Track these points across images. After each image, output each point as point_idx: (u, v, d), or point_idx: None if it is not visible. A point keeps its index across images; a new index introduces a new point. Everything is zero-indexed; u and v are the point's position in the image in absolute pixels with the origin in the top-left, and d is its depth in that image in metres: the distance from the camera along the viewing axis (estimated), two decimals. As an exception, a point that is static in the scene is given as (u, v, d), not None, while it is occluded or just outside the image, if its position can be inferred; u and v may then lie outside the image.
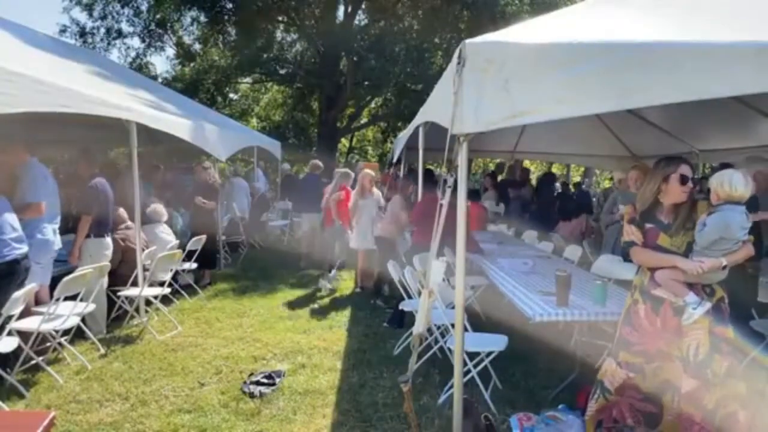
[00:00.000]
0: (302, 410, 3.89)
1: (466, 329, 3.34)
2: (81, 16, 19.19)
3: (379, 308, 6.61)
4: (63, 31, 19.03)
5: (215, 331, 5.68)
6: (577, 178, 21.19)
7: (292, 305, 6.80)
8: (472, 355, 3.90)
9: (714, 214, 2.90)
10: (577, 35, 2.68)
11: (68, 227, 5.62)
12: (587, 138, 8.75)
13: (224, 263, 9.08)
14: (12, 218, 4.26)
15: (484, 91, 2.61)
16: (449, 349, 4.07)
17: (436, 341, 4.54)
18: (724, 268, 2.90)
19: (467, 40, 2.64)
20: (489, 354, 3.98)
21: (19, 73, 3.57)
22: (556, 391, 4.15)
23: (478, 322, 5.35)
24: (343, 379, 4.45)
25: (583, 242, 7.38)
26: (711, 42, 2.44)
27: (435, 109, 3.89)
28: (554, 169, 27.04)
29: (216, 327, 5.83)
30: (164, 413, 3.81)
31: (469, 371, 3.85)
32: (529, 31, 2.92)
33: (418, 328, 3.17)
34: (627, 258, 3.27)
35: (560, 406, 3.64)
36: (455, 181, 2.86)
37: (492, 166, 16.84)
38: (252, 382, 4.28)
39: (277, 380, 4.33)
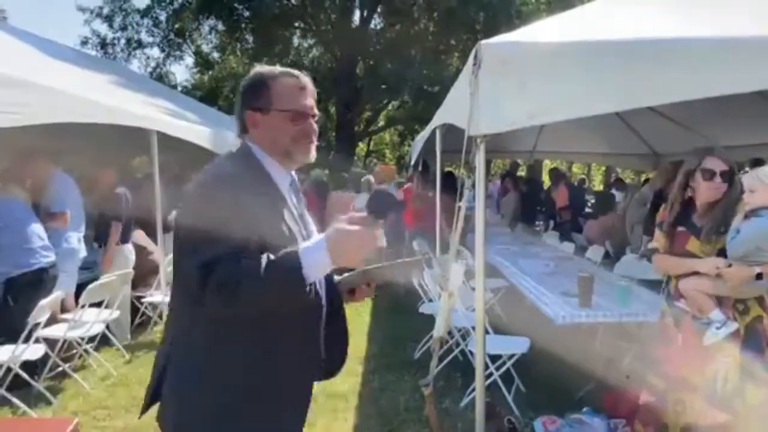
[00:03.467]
0: (324, 414, 3.89)
1: (487, 332, 3.32)
2: (102, 27, 19.52)
3: (398, 311, 6.59)
4: (84, 42, 19.44)
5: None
6: (598, 177, 20.98)
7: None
8: (494, 358, 3.87)
9: (751, 220, 2.51)
10: (595, 33, 2.65)
11: (92, 235, 5.70)
12: (608, 136, 8.64)
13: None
14: (38, 228, 4.36)
15: (500, 91, 2.59)
16: (470, 352, 4.04)
17: (457, 344, 4.52)
18: (759, 277, 2.46)
19: (483, 41, 2.63)
20: (511, 356, 3.95)
21: (42, 85, 3.65)
22: (580, 394, 4.10)
23: (499, 324, 5.30)
24: (364, 383, 4.45)
25: (606, 242, 7.29)
26: (733, 37, 2.40)
27: (452, 110, 3.88)
28: (575, 169, 26.84)
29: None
30: (188, 418, 3.84)
31: (491, 374, 3.82)
32: (545, 31, 2.90)
33: (439, 331, 3.16)
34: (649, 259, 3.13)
35: (585, 409, 3.59)
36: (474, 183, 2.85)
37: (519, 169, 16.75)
38: (274, 387, 4.29)
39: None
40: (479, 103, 2.62)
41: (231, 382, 1.51)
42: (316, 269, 1.40)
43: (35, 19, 62.34)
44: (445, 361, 4.47)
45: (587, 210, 10.47)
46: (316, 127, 1.66)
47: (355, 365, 4.84)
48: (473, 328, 3.51)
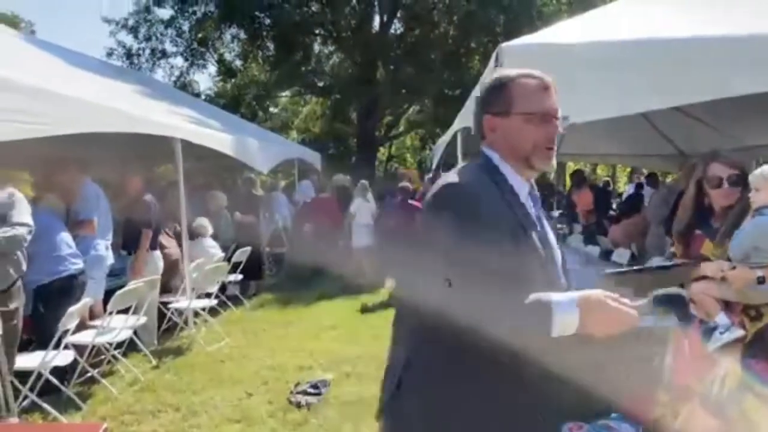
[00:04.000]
0: (349, 420, 3.89)
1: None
2: (127, 38, 19.89)
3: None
4: (110, 53, 19.78)
5: (261, 342, 5.76)
6: (623, 179, 20.68)
7: (336, 315, 6.84)
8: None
9: (754, 218, 2.44)
10: (618, 33, 2.62)
11: (119, 243, 5.80)
12: (633, 137, 8.51)
13: (269, 274, 9.21)
14: (67, 236, 4.45)
15: (522, 94, 2.58)
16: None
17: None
18: (761, 281, 2.32)
19: (503, 44, 2.62)
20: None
21: (70, 96, 3.73)
22: (609, 400, 4.02)
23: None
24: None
25: (632, 245, 7.16)
26: (759, 34, 2.35)
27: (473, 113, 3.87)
28: (599, 170, 26.50)
29: (262, 337, 5.91)
30: (214, 423, 3.88)
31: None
32: (566, 32, 2.88)
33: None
34: None
35: (613, 415, 3.53)
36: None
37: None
38: (298, 392, 4.31)
39: (323, 390, 4.35)
40: (500, 105, 2.61)
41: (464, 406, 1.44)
42: (562, 327, 1.35)
43: (62, 31, 63.89)
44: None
45: (611, 212, 10.31)
46: (560, 130, 1.56)
47: (380, 371, 4.78)
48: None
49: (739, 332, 2.40)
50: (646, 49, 2.48)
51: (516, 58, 2.59)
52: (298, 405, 4.12)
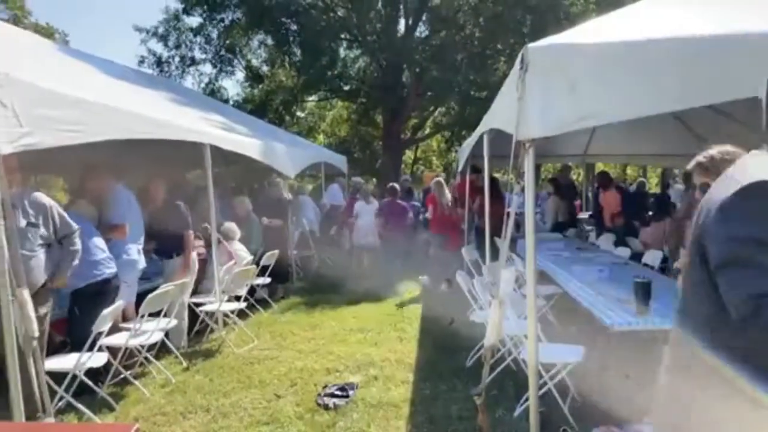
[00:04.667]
0: (376, 423, 3.89)
1: (540, 340, 3.25)
2: (157, 46, 20.26)
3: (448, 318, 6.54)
4: (141, 61, 20.18)
5: (289, 344, 5.80)
6: (654, 180, 20.27)
7: (363, 318, 6.85)
8: (547, 367, 3.78)
9: None
10: (647, 32, 2.58)
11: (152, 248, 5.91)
12: (664, 137, 8.35)
13: (296, 277, 9.28)
14: (99, 241, 4.56)
15: (549, 94, 2.56)
16: (523, 361, 3.96)
17: (509, 353, 4.44)
18: None
19: (530, 45, 2.60)
20: (566, 365, 3.84)
21: (103, 104, 3.82)
22: (640, 405, 3.94)
23: (552, 332, 5.19)
24: (416, 392, 4.43)
25: (663, 246, 7.03)
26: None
27: (499, 115, 3.85)
28: (629, 171, 26.04)
29: (290, 340, 5.96)
30: (243, 425, 3.92)
31: (544, 383, 3.74)
32: (594, 31, 2.84)
33: (490, 339, 3.12)
34: None
35: (645, 419, 3.46)
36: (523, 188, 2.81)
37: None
38: (326, 394, 4.34)
39: (351, 392, 4.36)
40: (527, 106, 2.59)
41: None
42: None
43: (95, 41, 65.50)
44: (497, 370, 4.40)
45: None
46: None
47: (406, 373, 4.83)
48: (525, 336, 3.44)
49: None
50: (678, 47, 2.43)
51: (543, 58, 2.57)
52: (326, 407, 4.14)
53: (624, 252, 6.67)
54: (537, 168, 3.46)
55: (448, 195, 8.73)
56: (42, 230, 3.51)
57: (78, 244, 3.87)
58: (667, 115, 6.91)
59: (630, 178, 24.30)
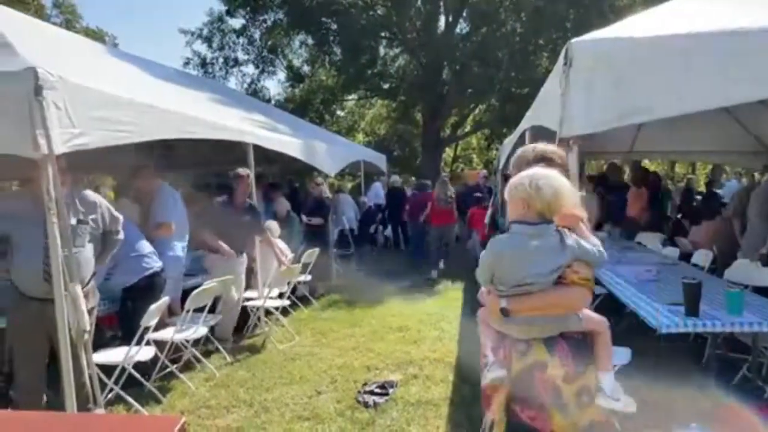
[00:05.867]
0: (416, 421, 3.89)
1: (583, 341, 3.17)
2: (202, 48, 20.78)
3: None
4: (186, 63, 20.74)
5: (330, 341, 5.85)
6: (703, 177, 19.59)
7: (402, 316, 6.85)
8: (591, 369, 3.70)
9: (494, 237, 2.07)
10: (696, 25, 2.49)
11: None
12: (715, 133, 8.06)
13: (336, 275, 9.36)
14: (142, 236, 4.71)
15: (593, 90, 2.50)
16: (566, 362, 3.89)
17: (552, 353, 4.36)
18: (504, 313, 1.97)
19: (573, 40, 2.55)
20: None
21: (150, 104, 3.93)
22: (688, 409, 3.82)
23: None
24: (456, 391, 4.40)
25: (713, 246, 6.78)
26: None
27: (541, 112, 3.78)
28: (678, 169, 25.22)
29: (330, 337, 6.01)
30: (285, 420, 3.98)
31: (588, 385, 3.65)
32: (642, 25, 2.76)
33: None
34: (765, 263, 2.86)
35: (693, 425, 3.35)
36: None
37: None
38: (366, 392, 4.36)
39: (390, 391, 4.37)
40: (571, 102, 2.54)
41: None
42: None
43: (142, 43, 67.54)
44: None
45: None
46: None
47: (446, 372, 4.81)
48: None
49: (498, 372, 2.03)
50: (728, 40, 2.34)
51: (587, 53, 2.51)
52: (366, 405, 4.16)
53: (672, 252, 6.46)
54: (580, 166, 3.39)
55: (451, 191, 9.90)
56: (91, 226, 3.64)
57: (122, 234, 3.97)
58: (717, 109, 6.68)
59: (678, 176, 23.56)
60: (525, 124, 5.41)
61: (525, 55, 15.90)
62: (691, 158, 14.07)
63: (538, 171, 1.93)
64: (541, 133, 4.62)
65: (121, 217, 3.95)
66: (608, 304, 5.47)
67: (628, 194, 8.11)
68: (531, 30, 15.86)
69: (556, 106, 2.64)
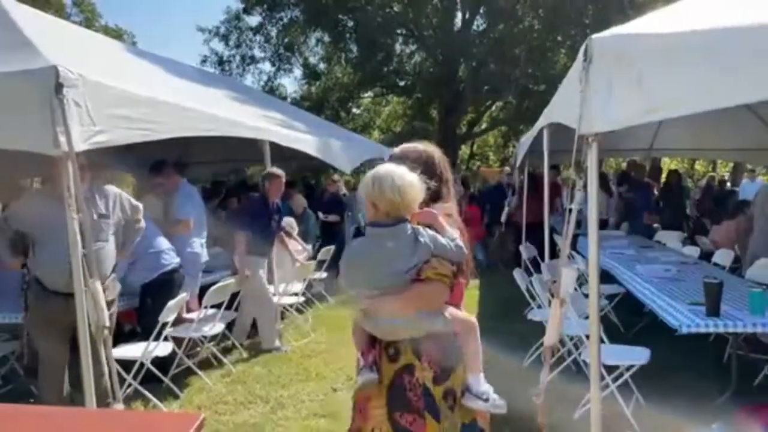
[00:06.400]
0: (432, 420, 3.87)
1: (602, 341, 3.14)
2: (219, 46, 20.89)
3: (504, 317, 6.43)
4: (204, 61, 20.85)
5: (345, 338, 5.81)
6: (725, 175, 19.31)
7: (419, 314, 6.82)
8: (610, 369, 3.66)
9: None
10: (721, 20, 2.44)
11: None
12: (737, 131, 7.92)
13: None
14: (160, 232, 4.75)
15: (614, 87, 2.46)
16: (584, 362, 3.86)
17: (569, 353, 4.33)
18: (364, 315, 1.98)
19: (593, 36, 2.51)
20: (629, 368, 3.71)
21: (168, 102, 3.96)
22: (709, 410, 3.77)
23: (616, 333, 5.03)
24: (472, 390, 4.37)
25: (735, 246, 6.68)
26: None
27: (560, 109, 3.74)
28: (698, 167, 24.87)
29: (346, 334, 5.96)
30: (301, 417, 3.99)
31: (607, 385, 3.62)
32: (662, 21, 2.72)
33: (550, 339, 3.04)
34: None
35: (714, 426, 3.30)
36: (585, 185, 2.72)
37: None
38: (382, 390, 4.35)
39: (406, 388, 4.36)
40: (591, 99, 2.51)
41: None
42: None
43: (160, 41, 68.15)
44: (557, 371, 4.30)
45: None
46: None
47: (462, 371, 4.78)
48: (587, 336, 3.34)
49: (367, 376, 1.95)
50: (752, 36, 2.29)
51: (607, 50, 2.47)
52: (382, 402, 4.15)
53: (692, 251, 6.37)
54: (600, 162, 3.35)
55: (460, 189, 9.79)
56: (112, 219, 3.68)
57: (143, 222, 4.02)
58: (739, 107, 6.56)
59: (698, 173, 23.23)
60: (543, 121, 5.36)
61: (543, 51, 15.79)
62: (711, 156, 13.85)
63: (381, 170, 1.88)
64: (559, 130, 4.58)
65: (140, 206, 3.99)
66: (627, 304, 5.42)
67: (720, 224, 7.64)
68: (549, 26, 15.74)
69: (575, 103, 2.61)
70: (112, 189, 3.83)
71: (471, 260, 2.05)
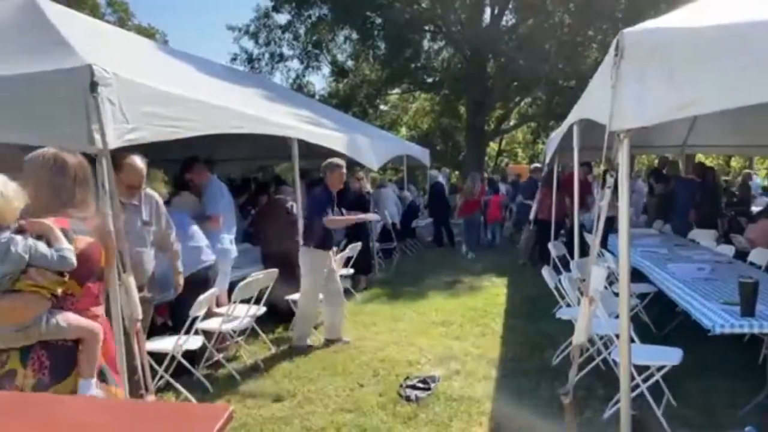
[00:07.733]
0: (458, 417, 3.87)
1: (632, 340, 3.09)
2: (248, 44, 21.14)
3: (533, 316, 6.37)
4: (234, 59, 21.14)
5: (372, 335, 5.88)
6: (762, 172, 18.78)
7: (445, 311, 6.82)
8: (640, 369, 3.60)
9: None
10: (754, 13, 2.37)
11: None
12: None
13: (378, 269, 9.39)
14: (198, 229, 4.83)
15: (646, 82, 2.42)
16: (614, 362, 3.80)
17: (599, 352, 4.26)
18: None
19: (625, 30, 2.47)
20: (660, 368, 3.64)
21: (199, 100, 4.02)
22: (742, 412, 3.68)
23: (647, 333, 4.94)
24: (499, 388, 4.36)
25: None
26: None
27: (591, 105, 3.68)
28: (733, 163, 24.21)
29: (372, 330, 6.04)
30: (328, 411, 4.02)
31: (637, 386, 3.56)
32: (694, 14, 2.65)
33: (579, 337, 3.00)
34: None
35: (747, 428, 3.22)
36: (615, 182, 2.67)
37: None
38: (408, 386, 4.36)
39: (432, 385, 4.36)
40: (622, 95, 2.46)
41: None
42: None
43: (192, 40, 69.20)
44: (585, 370, 4.24)
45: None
46: None
47: (489, 369, 4.76)
48: (617, 336, 3.29)
49: None
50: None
51: (639, 44, 2.43)
52: (408, 399, 4.16)
53: (727, 250, 6.21)
54: (631, 159, 3.29)
55: (479, 186, 11.31)
56: (154, 227, 3.77)
57: (174, 235, 4.12)
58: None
59: (734, 170, 22.61)
60: (573, 117, 5.29)
61: (573, 46, 15.56)
62: (749, 153, 13.44)
63: None
64: (589, 127, 4.51)
65: (173, 224, 4.10)
66: (658, 303, 5.31)
67: (757, 222, 7.39)
68: (580, 21, 15.49)
69: (606, 98, 2.57)
70: (154, 196, 3.92)
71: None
